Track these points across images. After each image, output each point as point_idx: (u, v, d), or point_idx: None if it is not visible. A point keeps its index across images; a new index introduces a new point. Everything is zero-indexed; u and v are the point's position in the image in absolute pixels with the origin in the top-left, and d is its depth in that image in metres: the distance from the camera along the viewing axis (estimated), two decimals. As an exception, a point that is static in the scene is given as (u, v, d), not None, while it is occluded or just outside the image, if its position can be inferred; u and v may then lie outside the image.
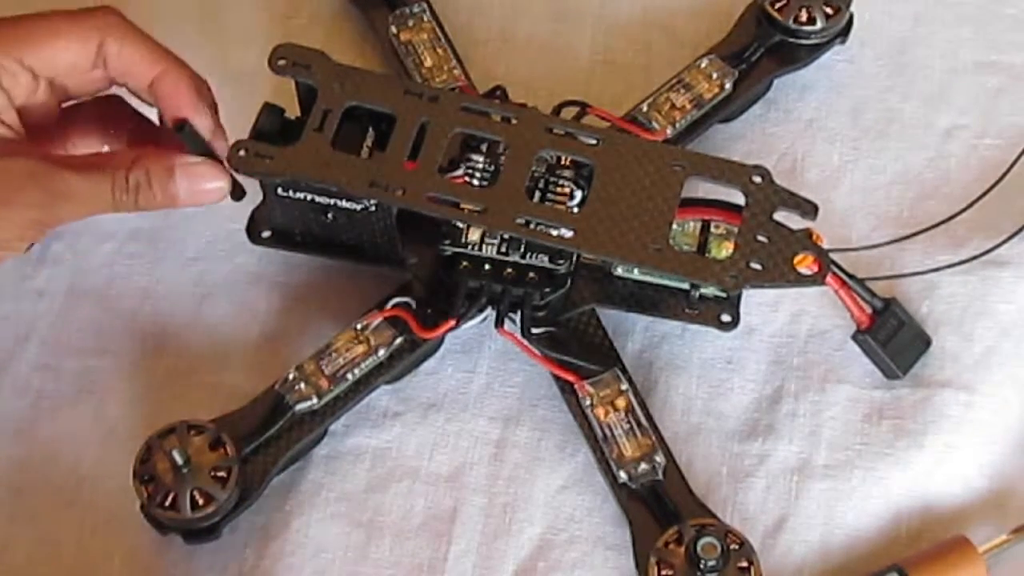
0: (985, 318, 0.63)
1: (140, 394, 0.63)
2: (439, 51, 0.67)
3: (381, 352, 0.60)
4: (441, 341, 0.62)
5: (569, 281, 0.60)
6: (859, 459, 0.61)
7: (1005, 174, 0.65)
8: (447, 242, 0.60)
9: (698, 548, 0.55)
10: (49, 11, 0.58)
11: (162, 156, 0.58)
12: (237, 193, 0.60)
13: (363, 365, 0.60)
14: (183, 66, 0.59)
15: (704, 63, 0.66)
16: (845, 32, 0.67)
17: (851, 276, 0.59)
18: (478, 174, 0.60)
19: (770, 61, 0.67)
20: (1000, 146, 0.67)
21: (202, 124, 0.58)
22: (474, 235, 0.60)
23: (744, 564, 0.56)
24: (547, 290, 0.60)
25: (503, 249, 0.60)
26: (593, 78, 0.71)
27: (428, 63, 0.67)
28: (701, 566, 0.55)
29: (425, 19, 0.68)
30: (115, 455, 0.61)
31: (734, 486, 0.61)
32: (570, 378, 0.60)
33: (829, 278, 0.57)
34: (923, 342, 0.62)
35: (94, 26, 0.57)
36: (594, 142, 0.58)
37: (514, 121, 0.59)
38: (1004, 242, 0.63)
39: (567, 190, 0.60)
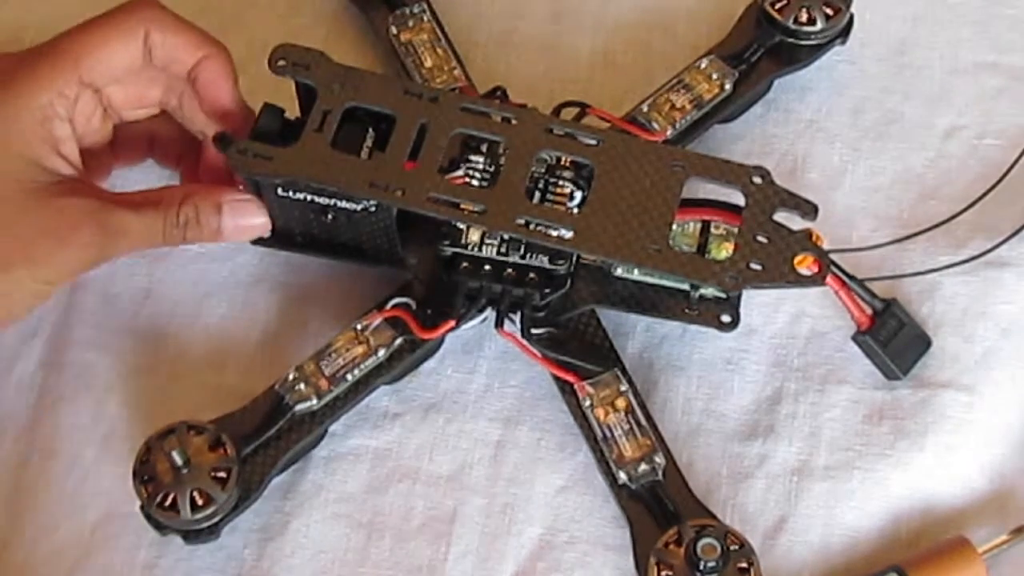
0: (985, 319, 0.63)
1: (140, 394, 0.63)
2: (439, 51, 0.67)
3: (381, 353, 0.60)
4: (441, 342, 0.62)
5: (569, 282, 0.60)
6: (859, 460, 0.61)
7: (1005, 174, 0.65)
8: (447, 242, 0.60)
9: (698, 549, 0.55)
10: (90, 19, 0.58)
11: (211, 192, 0.59)
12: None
13: (363, 366, 0.60)
14: (222, 50, 0.59)
15: (704, 63, 0.66)
16: (845, 32, 0.67)
17: (851, 277, 0.59)
18: (478, 174, 0.60)
19: (770, 61, 0.67)
20: (1000, 146, 0.67)
21: (239, 116, 0.60)
22: (474, 235, 0.60)
23: (744, 565, 0.56)
24: (547, 291, 0.60)
25: (503, 250, 0.60)
26: (593, 78, 0.71)
27: (428, 63, 0.67)
28: (701, 567, 0.55)
29: (425, 19, 0.68)
30: (115, 455, 0.61)
31: (734, 487, 0.61)
32: (570, 379, 0.60)
33: (829, 279, 0.57)
34: (923, 343, 0.62)
35: (138, 21, 0.58)
36: (594, 142, 0.58)
37: (514, 121, 0.59)
38: (1004, 242, 0.63)
39: (567, 191, 0.60)
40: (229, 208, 0.59)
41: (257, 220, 0.60)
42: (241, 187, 0.60)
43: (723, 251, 0.59)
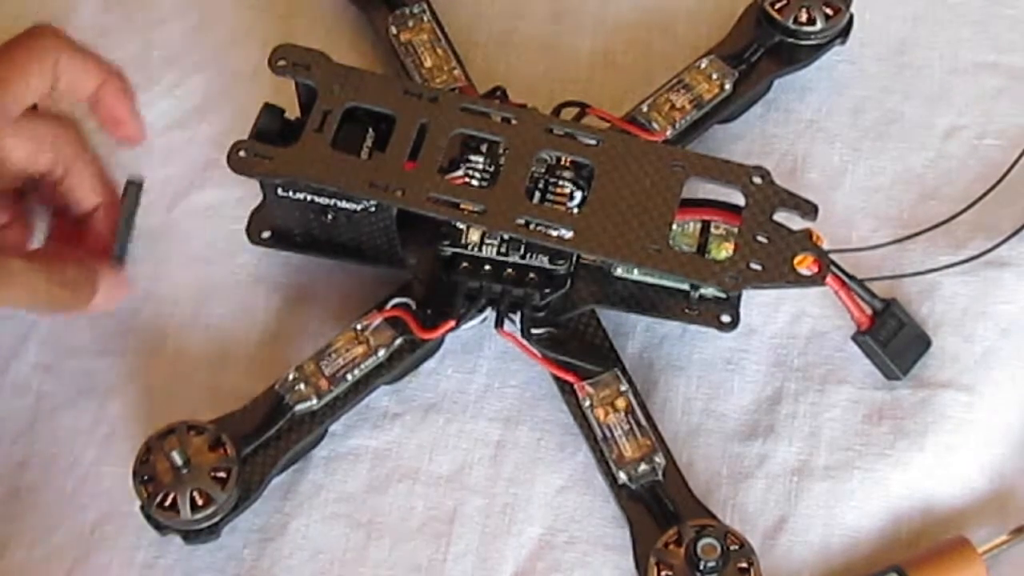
0: (985, 319, 0.63)
1: (140, 394, 0.63)
2: (439, 51, 0.67)
3: (381, 353, 0.60)
4: (441, 342, 0.62)
5: (569, 282, 0.60)
6: (859, 460, 0.61)
7: (1005, 174, 0.65)
8: (447, 243, 0.60)
9: (698, 549, 0.55)
10: None
11: (93, 260, 0.58)
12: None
13: (363, 366, 0.60)
14: (121, 76, 0.59)
15: (704, 63, 0.66)
16: (845, 32, 0.67)
17: (851, 277, 0.59)
18: (478, 175, 0.60)
19: (770, 61, 0.67)
20: (1000, 146, 0.67)
21: (138, 131, 0.60)
22: (474, 236, 0.60)
23: (744, 565, 0.56)
24: (547, 291, 0.60)
25: (503, 250, 0.60)
26: (593, 78, 0.71)
27: (428, 63, 0.67)
28: (701, 567, 0.55)
29: (425, 19, 0.68)
30: (115, 455, 0.61)
31: (734, 487, 0.61)
32: (570, 379, 0.60)
33: (829, 279, 0.57)
34: (923, 343, 0.62)
35: (47, 49, 0.57)
36: (594, 142, 0.58)
37: (514, 121, 0.59)
38: (1004, 242, 0.63)
39: (567, 191, 0.60)
40: (105, 280, 0.58)
41: (122, 296, 0.60)
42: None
43: (723, 251, 0.59)
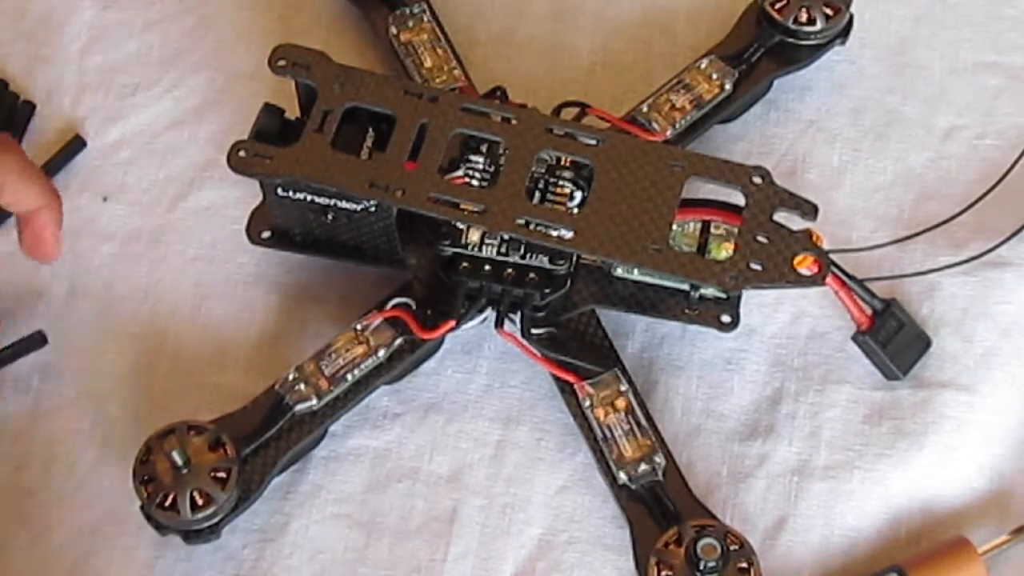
0: (985, 319, 0.63)
1: (140, 394, 0.63)
2: (439, 51, 0.67)
3: (381, 353, 0.60)
4: (441, 342, 0.62)
5: (569, 282, 0.60)
6: (859, 460, 0.61)
7: (1005, 175, 0.65)
8: (447, 243, 0.60)
9: (698, 549, 0.55)
10: None
11: None
12: None
13: (363, 366, 0.60)
14: (58, 203, 0.59)
15: (704, 63, 0.66)
16: (845, 32, 0.67)
17: (851, 277, 0.59)
18: (478, 175, 0.60)
19: (770, 61, 0.67)
20: (1000, 146, 0.67)
21: (56, 253, 0.60)
22: (474, 236, 0.60)
23: (744, 565, 0.56)
24: (547, 291, 0.60)
25: (503, 250, 0.60)
26: (593, 78, 0.71)
27: (428, 63, 0.67)
28: (701, 567, 0.55)
29: (425, 19, 0.68)
30: (115, 455, 0.61)
31: (734, 487, 0.61)
32: (570, 379, 0.60)
33: (829, 279, 0.57)
34: (923, 343, 0.62)
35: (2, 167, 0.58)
36: (594, 142, 0.58)
37: (514, 122, 0.59)
38: (1004, 242, 0.63)
39: (567, 191, 0.60)
40: None
41: None
42: None
43: (723, 251, 0.59)
